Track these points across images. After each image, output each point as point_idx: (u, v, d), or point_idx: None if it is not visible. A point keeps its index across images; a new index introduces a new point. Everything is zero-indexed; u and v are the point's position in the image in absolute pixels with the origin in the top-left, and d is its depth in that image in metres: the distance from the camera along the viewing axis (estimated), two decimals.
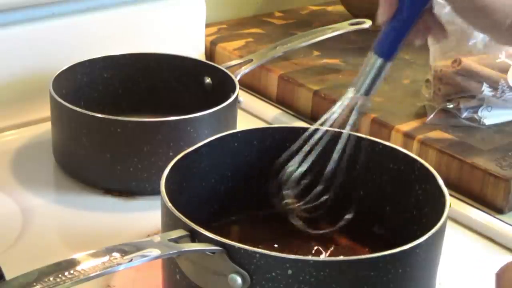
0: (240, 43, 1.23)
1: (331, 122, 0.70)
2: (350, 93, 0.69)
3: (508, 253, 0.84)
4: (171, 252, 0.59)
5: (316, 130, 0.71)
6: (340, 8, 1.36)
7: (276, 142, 0.78)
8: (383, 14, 0.65)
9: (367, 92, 0.69)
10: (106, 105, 1.01)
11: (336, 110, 0.70)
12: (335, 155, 0.71)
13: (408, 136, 0.96)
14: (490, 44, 0.97)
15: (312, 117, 1.08)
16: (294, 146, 0.72)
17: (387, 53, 0.67)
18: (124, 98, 1.04)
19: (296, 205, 0.72)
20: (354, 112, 0.70)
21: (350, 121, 0.70)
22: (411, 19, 0.65)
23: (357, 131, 0.73)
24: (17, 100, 1.04)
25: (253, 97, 1.14)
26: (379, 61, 0.67)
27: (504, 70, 0.97)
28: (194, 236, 0.61)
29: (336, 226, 0.75)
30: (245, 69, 1.03)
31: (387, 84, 1.08)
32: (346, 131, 0.71)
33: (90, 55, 1.01)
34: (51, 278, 0.52)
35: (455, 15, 0.65)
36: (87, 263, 0.55)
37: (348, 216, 0.75)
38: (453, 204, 0.86)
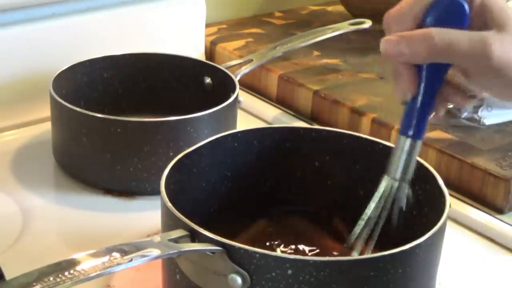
0: (240, 43, 1.23)
1: (370, 215, 0.67)
2: (385, 181, 0.66)
3: (508, 253, 0.84)
4: (171, 252, 0.59)
5: None
6: (340, 8, 1.36)
7: (276, 142, 0.78)
8: (405, 93, 0.61)
9: (403, 177, 0.65)
10: (106, 105, 1.01)
11: (375, 201, 0.66)
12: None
13: None
14: None
15: (312, 117, 1.08)
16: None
17: (416, 132, 0.63)
18: (124, 98, 1.04)
19: None
20: (392, 199, 0.66)
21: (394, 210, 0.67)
22: (433, 92, 0.61)
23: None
24: (17, 100, 1.04)
25: (253, 97, 1.14)
26: (408, 141, 0.64)
27: None
28: (194, 236, 0.61)
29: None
30: (245, 69, 1.03)
31: (387, 83, 1.08)
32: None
33: (90, 55, 1.01)
34: (51, 278, 0.52)
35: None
36: (87, 263, 0.55)
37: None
38: (453, 204, 0.86)
